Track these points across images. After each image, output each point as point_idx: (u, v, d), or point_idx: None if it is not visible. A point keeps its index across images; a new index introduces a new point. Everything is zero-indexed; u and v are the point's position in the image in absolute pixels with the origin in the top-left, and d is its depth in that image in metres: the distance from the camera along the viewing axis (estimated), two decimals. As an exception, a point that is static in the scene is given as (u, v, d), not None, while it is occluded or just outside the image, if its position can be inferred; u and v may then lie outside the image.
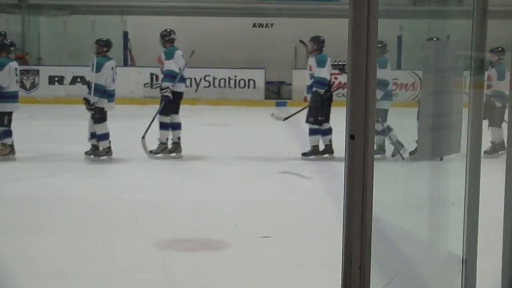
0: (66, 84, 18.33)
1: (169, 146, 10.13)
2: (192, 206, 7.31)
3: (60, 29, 19.85)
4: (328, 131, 10.11)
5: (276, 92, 19.37)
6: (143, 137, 9.97)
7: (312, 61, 10.23)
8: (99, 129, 9.70)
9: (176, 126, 10.13)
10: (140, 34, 19.89)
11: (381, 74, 9.78)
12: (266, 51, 19.24)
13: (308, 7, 20.28)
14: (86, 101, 9.68)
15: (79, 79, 17.99)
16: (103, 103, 9.70)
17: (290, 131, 12.03)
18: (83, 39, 20.00)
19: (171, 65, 10.04)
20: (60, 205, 7.24)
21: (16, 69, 9.70)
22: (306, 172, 9.26)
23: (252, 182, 8.82)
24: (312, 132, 10.14)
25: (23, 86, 17.75)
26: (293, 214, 7.06)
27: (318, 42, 10.33)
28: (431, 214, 3.26)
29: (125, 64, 19.35)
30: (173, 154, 10.09)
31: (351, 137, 2.05)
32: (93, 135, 9.78)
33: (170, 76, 10.01)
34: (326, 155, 10.10)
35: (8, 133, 9.56)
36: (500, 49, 10.39)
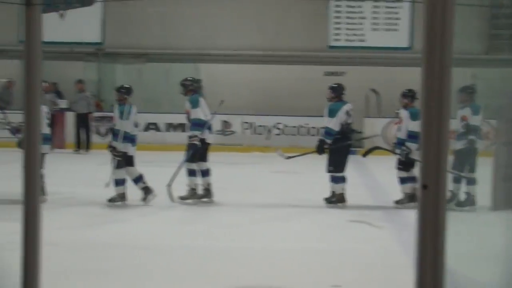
0: (140, 131, 18.65)
1: (200, 192, 10.22)
2: (260, 254, 7.28)
3: (135, 76, 20.30)
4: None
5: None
6: (168, 185, 10.04)
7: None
8: (118, 174, 9.87)
9: (205, 173, 10.21)
10: (213, 81, 20.19)
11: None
12: (337, 99, 19.26)
13: (380, 55, 20.30)
14: (113, 148, 9.85)
15: (152, 126, 18.33)
16: (128, 148, 9.88)
17: (361, 179, 11.95)
18: (157, 86, 20.46)
19: (198, 113, 10.13)
20: (132, 250, 7.31)
21: (48, 112, 9.99)
22: (377, 221, 9.15)
23: (321, 230, 8.76)
24: (403, 180, 10.13)
25: (98, 132, 18.18)
26: (363, 264, 6.97)
27: (336, 90, 10.47)
28: (509, 267, 3.18)
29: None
30: (205, 200, 10.18)
31: (423, 186, 2.03)
32: (137, 180, 9.95)
33: (198, 124, 10.10)
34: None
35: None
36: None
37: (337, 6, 20.42)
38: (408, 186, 10.07)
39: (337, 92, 10.43)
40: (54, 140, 17.54)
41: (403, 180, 10.15)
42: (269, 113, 18.90)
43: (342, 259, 7.10)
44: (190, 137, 10.11)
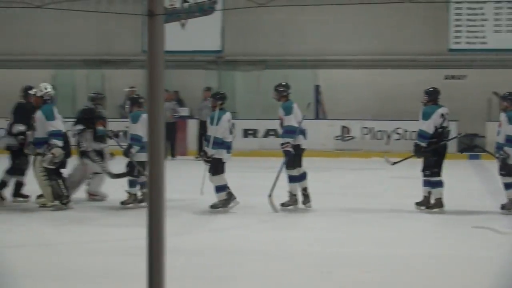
0: (259, 137, 18.84)
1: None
2: (380, 259, 7.18)
3: (254, 83, 20.50)
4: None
5: (469, 145, 18.80)
6: (269, 195, 9.95)
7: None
8: (216, 181, 9.84)
9: (302, 177, 10.11)
10: (332, 87, 20.13)
11: None
12: (458, 103, 18.73)
13: (501, 57, 19.69)
14: (204, 153, 9.89)
15: (272, 132, 18.45)
16: (222, 154, 9.86)
17: (483, 184, 11.63)
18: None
19: (291, 121, 10.02)
20: (253, 256, 7.36)
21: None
22: (502, 227, 8.87)
23: (443, 236, 8.57)
24: (507, 186, 9.83)
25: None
26: (487, 271, 6.76)
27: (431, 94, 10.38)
28: None
29: (317, 117, 19.59)
30: (303, 206, 10.09)
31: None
32: (221, 188, 9.90)
33: (289, 131, 10.01)
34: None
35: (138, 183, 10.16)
36: None
37: (458, 8, 19.93)
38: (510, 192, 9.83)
39: (432, 96, 10.37)
40: (176, 147, 18.02)
41: (507, 186, 9.86)
42: (388, 118, 18.67)
43: (464, 266, 6.91)
44: (283, 144, 10.08)
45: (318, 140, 17.77)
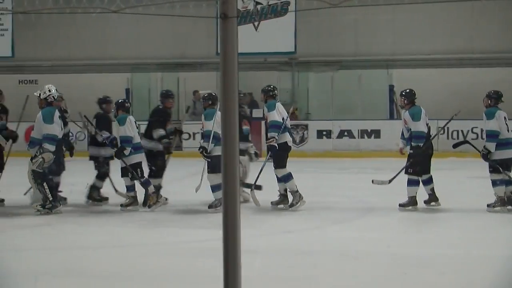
0: (333, 138, 18.76)
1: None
2: (462, 261, 7.06)
3: (328, 84, 20.44)
4: (430, 180, 10.00)
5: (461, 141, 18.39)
6: (251, 189, 10.01)
7: (406, 115, 10.12)
8: (212, 179, 9.82)
9: (286, 178, 10.07)
10: (405, 87, 19.86)
11: None
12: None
13: None
14: (203, 149, 9.85)
15: (346, 133, 18.37)
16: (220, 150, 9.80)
17: None
18: (349, 93, 20.47)
19: (275, 116, 10.05)
20: (328, 257, 7.34)
21: (135, 122, 10.20)
22: None
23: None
24: (411, 182, 9.96)
25: (293, 141, 18.47)
26: None
27: (409, 96, 10.31)
28: None
29: (391, 117, 19.41)
30: (281, 206, 10.09)
31: None
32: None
33: (273, 126, 10.02)
34: (433, 204, 10.02)
35: (148, 183, 10.18)
36: None
37: (537, 3, 19.48)
38: (413, 189, 9.92)
39: (411, 98, 10.42)
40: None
41: (493, 183, 9.84)
42: (464, 117, 18.35)
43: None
44: (268, 139, 10.10)
45: (392, 140, 17.60)
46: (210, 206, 9.91)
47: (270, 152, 10.09)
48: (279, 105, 10.31)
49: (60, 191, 10.60)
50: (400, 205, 9.99)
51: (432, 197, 10.10)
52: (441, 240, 8.20)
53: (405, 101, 10.38)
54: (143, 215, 9.84)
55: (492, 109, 10.10)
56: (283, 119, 10.13)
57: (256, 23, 19.56)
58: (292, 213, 9.89)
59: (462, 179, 13.20)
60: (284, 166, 10.10)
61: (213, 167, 9.75)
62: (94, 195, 10.68)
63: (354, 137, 18.49)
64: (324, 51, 20.93)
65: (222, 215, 3.73)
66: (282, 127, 10.11)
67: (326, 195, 10.60)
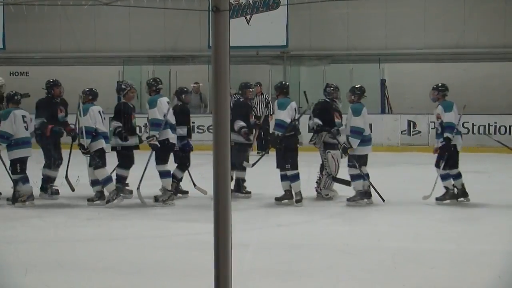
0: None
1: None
2: (452, 255, 7.09)
3: (319, 78, 20.42)
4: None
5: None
6: (138, 188, 10.00)
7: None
8: (100, 174, 9.88)
9: (164, 174, 10.10)
10: (397, 81, 19.93)
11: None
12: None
13: None
14: (81, 146, 9.89)
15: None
16: (102, 143, 9.93)
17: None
18: (341, 87, 20.41)
19: (155, 114, 9.95)
20: (320, 251, 7.35)
21: (23, 116, 10.00)
22: None
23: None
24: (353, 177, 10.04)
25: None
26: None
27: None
28: None
29: (382, 111, 19.43)
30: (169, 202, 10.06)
31: None
32: (94, 182, 9.98)
33: (155, 124, 9.94)
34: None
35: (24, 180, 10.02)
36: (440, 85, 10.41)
37: (529, -2, 19.52)
38: (359, 183, 9.92)
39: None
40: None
41: (353, 177, 10.00)
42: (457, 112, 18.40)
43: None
44: (148, 137, 10.08)
45: (383, 134, 17.68)
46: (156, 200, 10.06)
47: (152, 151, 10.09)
48: (162, 100, 10.14)
49: (52, 185, 10.60)
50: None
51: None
52: (432, 234, 8.22)
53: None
54: (134, 208, 9.83)
55: (358, 105, 10.19)
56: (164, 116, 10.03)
57: (248, 17, 19.53)
58: (283, 207, 9.90)
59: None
60: (166, 161, 10.17)
61: (162, 158, 9.99)
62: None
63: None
64: (316, 45, 20.92)
65: (213, 208, 3.73)
66: (163, 124, 10.01)
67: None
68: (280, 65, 21.13)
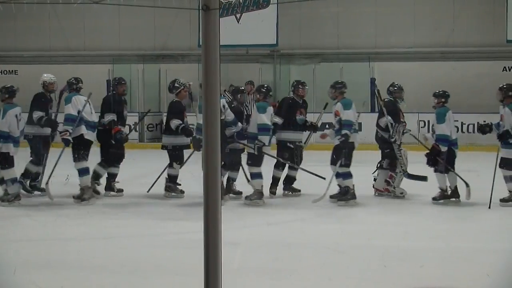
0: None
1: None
2: (442, 253, 7.11)
3: (309, 76, 20.44)
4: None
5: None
6: (46, 183, 10.02)
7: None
8: (6, 174, 9.86)
9: (82, 172, 10.05)
10: (387, 80, 19.90)
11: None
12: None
13: None
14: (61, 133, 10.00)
15: (327, 126, 18.35)
16: (9, 148, 9.83)
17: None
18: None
19: (69, 109, 9.98)
20: (310, 250, 7.35)
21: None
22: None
23: (506, 231, 8.44)
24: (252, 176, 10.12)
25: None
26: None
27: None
28: None
29: (372, 110, 19.45)
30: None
31: None
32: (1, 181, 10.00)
33: (69, 120, 9.95)
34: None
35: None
36: (441, 92, 10.35)
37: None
38: (257, 182, 9.95)
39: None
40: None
41: (252, 176, 10.05)
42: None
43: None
44: (61, 132, 10.12)
45: (373, 133, 17.65)
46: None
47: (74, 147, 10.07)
48: (77, 98, 10.15)
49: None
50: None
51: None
52: (421, 232, 8.24)
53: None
54: (124, 207, 9.81)
55: (264, 103, 10.22)
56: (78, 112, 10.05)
57: (238, 15, 19.52)
58: (273, 206, 9.90)
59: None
60: (86, 158, 10.12)
61: (80, 155, 9.97)
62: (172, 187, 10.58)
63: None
64: (306, 43, 20.94)
65: (203, 207, 3.73)
66: (77, 121, 10.00)
67: (307, 188, 10.60)
68: (270, 64, 21.13)
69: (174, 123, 10.21)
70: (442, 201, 9.95)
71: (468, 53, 19.98)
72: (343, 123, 10.01)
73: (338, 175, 10.00)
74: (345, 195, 9.96)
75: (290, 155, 10.49)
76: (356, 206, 9.86)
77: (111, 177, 10.67)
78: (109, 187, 10.66)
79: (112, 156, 10.43)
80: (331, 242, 7.57)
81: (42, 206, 9.87)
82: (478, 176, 12.71)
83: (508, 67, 19.72)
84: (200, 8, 3.64)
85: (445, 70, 19.51)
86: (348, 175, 9.94)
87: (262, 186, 10.01)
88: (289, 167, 10.62)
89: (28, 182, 10.54)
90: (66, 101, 10.16)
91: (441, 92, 10.45)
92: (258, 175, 10.02)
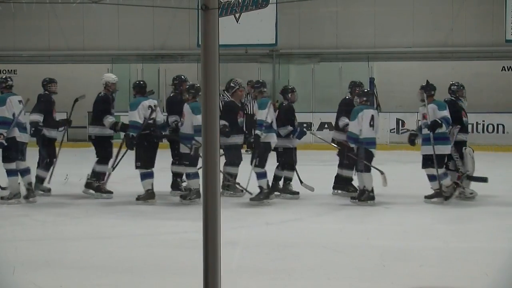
0: (314, 130, 18.76)
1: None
2: (440, 253, 7.12)
3: (308, 76, 20.47)
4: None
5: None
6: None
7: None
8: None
9: (23, 172, 10.00)
10: (386, 79, 19.96)
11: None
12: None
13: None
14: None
15: (326, 125, 18.38)
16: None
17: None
18: (330, 85, 20.47)
19: (4, 112, 9.83)
20: (310, 249, 7.35)
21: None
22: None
23: (505, 230, 8.44)
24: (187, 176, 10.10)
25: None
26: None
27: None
28: None
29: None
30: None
31: None
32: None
33: (2, 123, 9.82)
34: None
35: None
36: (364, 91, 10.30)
37: (516, -3, 19.58)
38: (194, 181, 9.92)
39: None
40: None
41: (187, 176, 10.10)
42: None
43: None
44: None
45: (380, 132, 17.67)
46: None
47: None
48: (12, 99, 10.01)
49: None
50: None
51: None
52: (420, 232, 8.24)
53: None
54: (123, 206, 9.81)
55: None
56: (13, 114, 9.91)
57: (237, 15, 19.53)
58: (272, 205, 9.90)
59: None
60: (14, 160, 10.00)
61: (8, 157, 9.90)
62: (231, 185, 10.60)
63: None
64: (305, 43, 20.94)
65: (202, 206, 3.73)
66: (14, 123, 9.90)
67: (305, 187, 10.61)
68: (269, 64, 21.14)
69: (222, 123, 10.12)
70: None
71: (467, 52, 20.00)
72: (257, 123, 10.03)
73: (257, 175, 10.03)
74: (258, 195, 9.97)
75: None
76: (356, 206, 9.85)
77: (178, 176, 10.66)
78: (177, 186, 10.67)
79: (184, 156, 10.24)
80: (330, 242, 7.56)
81: (41, 205, 9.86)
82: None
83: (507, 66, 19.73)
84: (199, 7, 3.65)
85: (444, 69, 19.51)
86: (263, 175, 9.95)
87: (268, 185, 10.01)
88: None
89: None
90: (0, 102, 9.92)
91: (363, 92, 10.44)
92: (195, 175, 9.99)
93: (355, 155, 9.93)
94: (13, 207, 9.69)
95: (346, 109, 10.60)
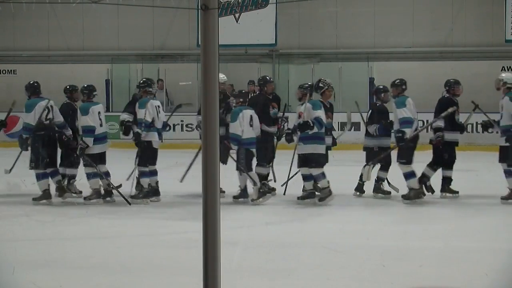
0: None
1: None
2: (440, 253, 7.12)
3: (308, 76, 20.46)
4: None
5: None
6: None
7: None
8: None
9: (105, 175, 10.14)
10: (386, 79, 19.91)
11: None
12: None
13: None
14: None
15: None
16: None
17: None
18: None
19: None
20: (309, 249, 7.36)
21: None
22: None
23: (505, 230, 8.45)
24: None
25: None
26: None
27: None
28: None
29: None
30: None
31: None
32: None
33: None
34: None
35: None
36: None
37: (515, -3, 19.59)
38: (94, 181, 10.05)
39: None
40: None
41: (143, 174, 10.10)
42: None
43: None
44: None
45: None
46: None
47: None
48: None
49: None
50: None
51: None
52: (419, 232, 8.23)
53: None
54: (122, 207, 9.81)
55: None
56: None
57: (237, 15, 19.52)
58: (272, 205, 9.90)
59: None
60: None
61: None
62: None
63: (334, 130, 18.45)
64: (304, 43, 20.95)
65: (202, 207, 3.73)
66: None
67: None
68: (269, 64, 21.14)
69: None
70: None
71: (467, 52, 20.01)
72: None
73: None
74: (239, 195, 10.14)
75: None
76: (356, 206, 9.86)
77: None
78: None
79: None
80: (330, 242, 7.56)
81: (41, 206, 9.86)
82: (477, 175, 12.77)
83: (507, 66, 19.74)
84: (199, 7, 3.65)
85: (443, 70, 19.49)
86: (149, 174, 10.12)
87: (149, 185, 10.07)
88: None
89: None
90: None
91: (240, 92, 10.74)
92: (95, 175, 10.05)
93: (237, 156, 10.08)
94: (13, 207, 9.69)
95: (378, 116, 10.77)
